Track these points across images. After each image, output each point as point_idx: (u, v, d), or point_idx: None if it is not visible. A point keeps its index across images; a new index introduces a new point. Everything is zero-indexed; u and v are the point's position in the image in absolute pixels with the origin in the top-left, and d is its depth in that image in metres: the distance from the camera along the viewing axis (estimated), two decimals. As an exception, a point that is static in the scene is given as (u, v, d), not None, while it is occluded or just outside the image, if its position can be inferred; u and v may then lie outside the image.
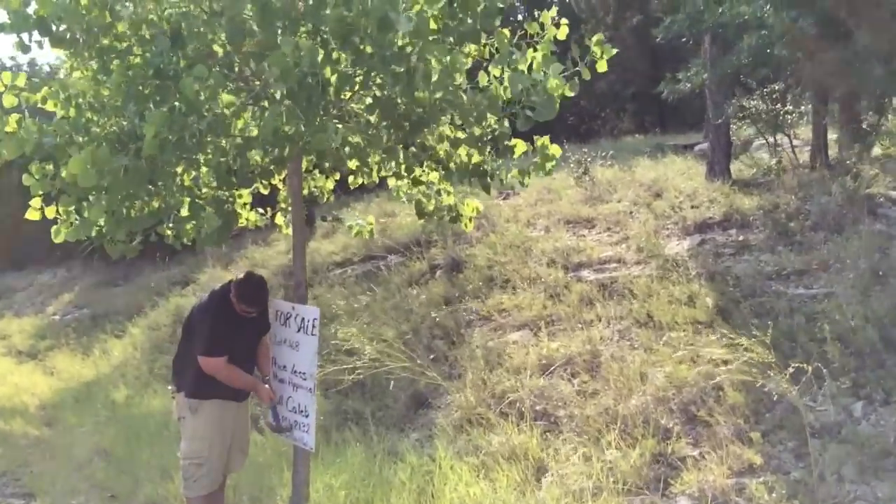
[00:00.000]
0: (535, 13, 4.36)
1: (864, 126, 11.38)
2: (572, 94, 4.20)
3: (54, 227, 4.61)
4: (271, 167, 4.56)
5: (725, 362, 5.80)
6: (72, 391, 9.99)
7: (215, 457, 4.98)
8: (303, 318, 4.90)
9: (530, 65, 4.23)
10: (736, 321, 6.30)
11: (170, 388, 5.18)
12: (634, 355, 6.34)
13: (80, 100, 4.35)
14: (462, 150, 4.95)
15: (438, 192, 5.56)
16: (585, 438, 5.55)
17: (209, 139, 3.86)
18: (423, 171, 5.44)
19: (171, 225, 4.74)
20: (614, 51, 4.31)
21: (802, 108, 12.68)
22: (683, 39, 9.57)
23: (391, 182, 5.70)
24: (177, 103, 3.80)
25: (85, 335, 13.48)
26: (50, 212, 4.55)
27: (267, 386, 5.02)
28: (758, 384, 5.42)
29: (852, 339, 5.47)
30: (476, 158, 4.96)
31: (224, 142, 4.14)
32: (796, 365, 5.37)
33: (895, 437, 4.52)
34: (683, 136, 17.89)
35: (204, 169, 4.38)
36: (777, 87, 12.03)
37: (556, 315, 7.52)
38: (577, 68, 4.16)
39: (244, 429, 5.33)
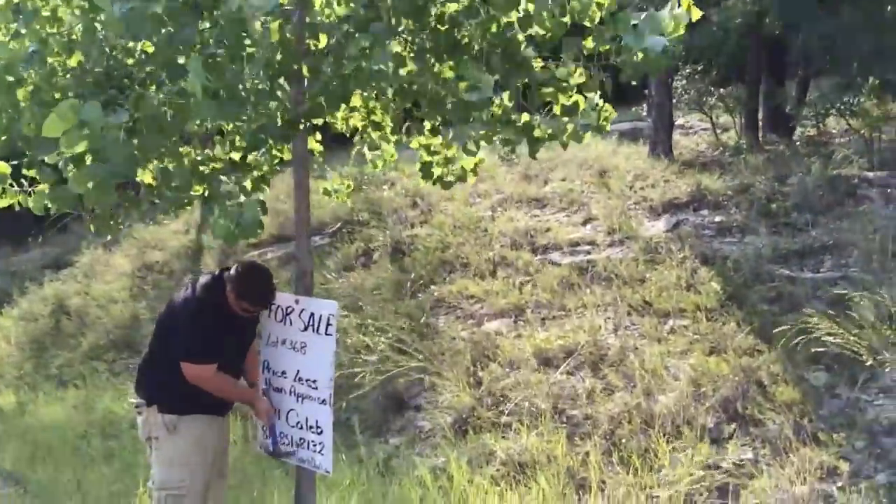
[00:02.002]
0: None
1: (788, 109, 11.52)
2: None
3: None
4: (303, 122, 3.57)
5: (758, 352, 5.36)
6: (-62, 397, 8.32)
7: (199, 485, 4.00)
8: (311, 315, 3.96)
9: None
10: (749, 308, 5.88)
11: (133, 401, 4.11)
12: (645, 346, 5.79)
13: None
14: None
15: (446, 159, 4.77)
16: (619, 441, 4.93)
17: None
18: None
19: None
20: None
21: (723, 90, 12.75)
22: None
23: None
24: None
25: (-62, 327, 11.49)
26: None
27: (266, 399, 4.07)
28: (804, 377, 5.02)
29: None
30: (525, 117, 4.19)
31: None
32: (839, 353, 5.04)
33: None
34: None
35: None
36: (698, 69, 11.99)
37: (535, 302, 6.86)
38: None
39: (225, 448, 4.36)
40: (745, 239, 7.06)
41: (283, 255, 9.82)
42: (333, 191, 4.95)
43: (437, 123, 4.42)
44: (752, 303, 5.92)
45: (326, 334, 3.90)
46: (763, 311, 5.78)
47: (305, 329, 3.99)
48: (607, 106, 4.29)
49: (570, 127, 4.21)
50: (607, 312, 6.46)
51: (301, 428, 4.03)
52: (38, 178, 3.32)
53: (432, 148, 4.78)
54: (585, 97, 4.22)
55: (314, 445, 3.97)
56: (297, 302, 4.04)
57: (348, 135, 4.90)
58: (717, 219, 7.53)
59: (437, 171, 4.79)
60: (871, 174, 7.57)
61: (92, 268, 11.69)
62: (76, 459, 5.86)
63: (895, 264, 5.82)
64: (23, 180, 3.35)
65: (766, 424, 4.75)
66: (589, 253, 7.46)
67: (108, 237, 3.60)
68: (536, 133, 4.20)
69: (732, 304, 5.95)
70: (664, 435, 4.82)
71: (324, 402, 3.91)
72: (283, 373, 4.08)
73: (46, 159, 3.02)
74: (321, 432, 3.93)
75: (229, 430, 4.41)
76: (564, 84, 3.83)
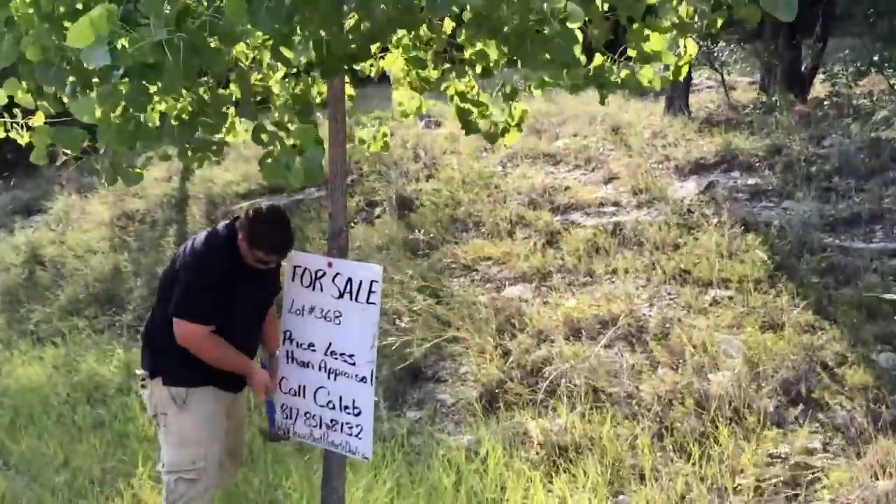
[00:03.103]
0: None
1: (803, 69, 11.06)
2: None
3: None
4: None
5: (819, 329, 4.94)
6: None
7: (213, 466, 3.51)
8: (349, 280, 3.46)
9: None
10: (801, 279, 5.45)
11: (139, 372, 3.58)
12: (688, 318, 5.34)
13: None
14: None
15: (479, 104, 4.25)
16: (671, 425, 4.49)
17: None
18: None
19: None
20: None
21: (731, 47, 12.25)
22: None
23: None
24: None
25: None
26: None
27: (265, 371, 3.53)
28: (872, 358, 4.61)
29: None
30: (598, 59, 3.63)
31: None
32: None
33: None
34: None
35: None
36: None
37: (559, 266, 6.37)
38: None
39: (240, 427, 3.85)
40: (783, 204, 6.62)
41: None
42: (371, 139, 4.40)
43: (492, 64, 3.89)
44: (802, 274, 5.48)
45: (368, 303, 3.42)
46: (817, 283, 5.35)
47: (341, 296, 3.48)
48: (690, 46, 3.78)
49: (648, 71, 3.72)
50: (640, 280, 6.00)
51: (333, 408, 3.54)
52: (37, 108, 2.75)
53: (469, 95, 4.27)
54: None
55: (350, 428, 3.50)
56: (329, 265, 3.52)
57: (376, 79, 4.40)
58: (751, 181, 7.06)
59: (477, 122, 4.30)
60: (915, 138, 7.15)
61: (67, 215, 10.93)
62: (61, 429, 5.29)
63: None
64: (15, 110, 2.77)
65: (835, 410, 4.34)
66: (615, 214, 6.97)
67: (127, 184, 2.99)
68: (612, 78, 3.68)
69: (782, 275, 5.51)
70: (723, 419, 4.39)
71: (364, 379, 3.43)
72: (311, 345, 3.58)
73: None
74: (359, 413, 3.46)
75: (244, 407, 3.88)
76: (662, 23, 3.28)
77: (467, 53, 3.98)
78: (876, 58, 8.47)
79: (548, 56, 2.90)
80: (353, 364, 3.45)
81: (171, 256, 3.65)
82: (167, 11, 2.30)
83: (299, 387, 3.64)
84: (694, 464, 4.17)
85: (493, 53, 3.63)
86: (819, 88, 11.06)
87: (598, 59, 3.63)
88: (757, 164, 7.32)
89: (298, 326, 3.60)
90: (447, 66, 4.07)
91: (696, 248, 6.08)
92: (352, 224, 8.26)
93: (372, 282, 3.40)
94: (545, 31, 2.94)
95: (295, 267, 3.61)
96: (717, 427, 4.36)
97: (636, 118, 9.77)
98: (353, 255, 7.28)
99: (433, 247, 7.16)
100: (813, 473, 4.00)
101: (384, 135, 4.86)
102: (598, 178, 7.78)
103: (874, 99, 9.38)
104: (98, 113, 2.63)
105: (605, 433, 4.47)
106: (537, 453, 4.48)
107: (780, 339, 4.84)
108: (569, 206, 7.25)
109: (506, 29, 2.78)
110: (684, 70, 3.76)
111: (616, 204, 7.16)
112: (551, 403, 4.86)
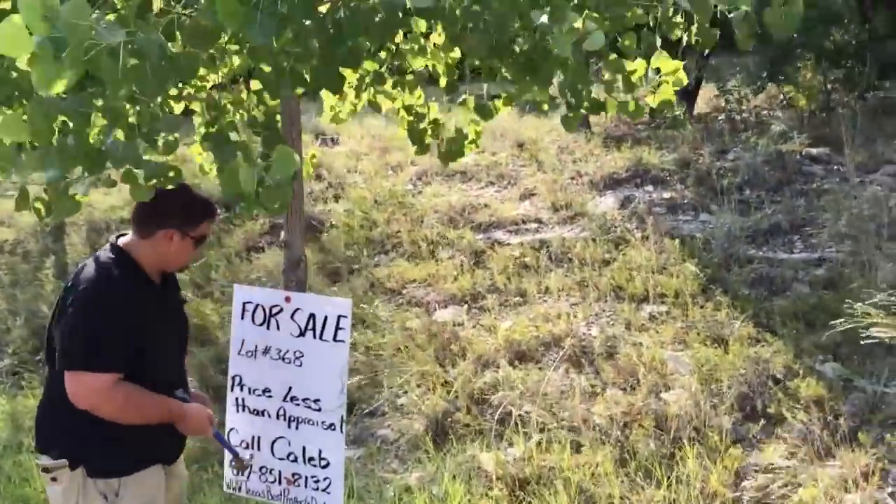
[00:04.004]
0: None
1: (686, 85, 11.47)
2: None
3: None
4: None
5: (763, 341, 4.95)
6: None
7: None
8: (311, 316, 3.14)
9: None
10: (735, 292, 5.49)
11: (43, 462, 2.68)
12: (630, 336, 5.25)
13: None
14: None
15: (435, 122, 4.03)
16: (632, 449, 4.34)
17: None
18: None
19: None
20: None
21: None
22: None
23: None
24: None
25: None
26: None
27: (195, 403, 2.85)
28: (818, 370, 4.66)
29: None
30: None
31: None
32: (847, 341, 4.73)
33: None
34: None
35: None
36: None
37: (489, 287, 6.17)
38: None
39: (179, 499, 3.16)
40: (700, 217, 6.72)
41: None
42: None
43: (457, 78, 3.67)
44: (735, 286, 5.53)
45: (336, 340, 3.11)
46: (749, 295, 5.40)
47: (301, 334, 3.15)
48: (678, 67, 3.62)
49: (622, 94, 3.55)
50: (573, 298, 5.89)
51: (295, 461, 3.17)
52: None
53: (415, 109, 4.03)
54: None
55: (316, 482, 3.16)
56: (287, 300, 3.17)
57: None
58: (666, 195, 7.14)
59: (427, 139, 4.06)
60: (814, 150, 7.44)
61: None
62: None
63: (872, 245, 5.61)
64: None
65: (792, 424, 4.32)
66: (538, 231, 6.85)
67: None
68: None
69: (715, 289, 5.53)
70: (685, 439, 4.29)
71: (332, 426, 3.10)
72: (267, 391, 3.21)
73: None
74: (326, 465, 3.12)
75: (184, 469, 3.23)
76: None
77: (415, 64, 3.75)
78: (764, 74, 8.84)
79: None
80: (319, 410, 3.11)
81: (54, 302, 2.78)
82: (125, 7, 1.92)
83: (253, 438, 3.24)
84: (663, 488, 4.04)
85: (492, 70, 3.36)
86: (702, 104, 11.52)
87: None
88: (668, 178, 7.42)
89: (250, 370, 3.21)
90: (396, 77, 3.83)
91: (625, 264, 6.04)
92: (258, 248, 7.76)
93: (339, 317, 3.10)
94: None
95: (244, 303, 3.22)
96: (680, 448, 4.25)
97: (537, 134, 9.77)
98: (264, 283, 6.80)
99: (351, 271, 6.80)
100: (782, 490, 3.95)
101: (313, 156, 4.56)
102: (515, 195, 7.67)
103: (757, 114, 9.83)
104: (27, 132, 2.17)
105: (565, 462, 4.27)
106: (500, 490, 4.22)
107: (728, 354, 4.82)
108: (490, 224, 7.08)
109: (517, 49, 2.52)
110: (684, 79, 3.61)
111: (537, 221, 7.05)
112: (505, 433, 4.62)
